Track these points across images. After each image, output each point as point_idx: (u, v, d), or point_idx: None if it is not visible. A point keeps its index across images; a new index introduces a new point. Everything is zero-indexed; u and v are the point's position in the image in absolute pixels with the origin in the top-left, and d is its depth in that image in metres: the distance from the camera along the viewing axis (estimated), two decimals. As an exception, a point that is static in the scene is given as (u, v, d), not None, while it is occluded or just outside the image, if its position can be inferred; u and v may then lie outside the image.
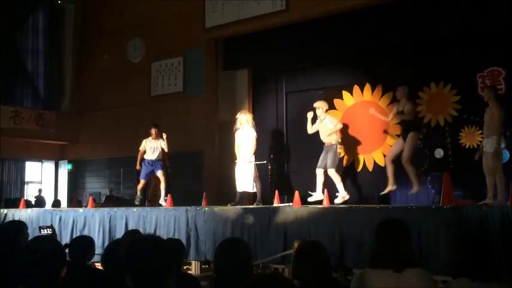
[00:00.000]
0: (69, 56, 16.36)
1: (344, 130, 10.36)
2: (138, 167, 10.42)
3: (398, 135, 9.24)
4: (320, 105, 9.10)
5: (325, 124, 8.98)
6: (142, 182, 10.41)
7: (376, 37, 10.66)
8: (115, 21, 14.82)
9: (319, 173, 8.87)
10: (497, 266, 2.93)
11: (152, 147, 10.23)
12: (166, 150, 10.26)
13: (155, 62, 13.91)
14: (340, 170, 9.89)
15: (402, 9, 10.17)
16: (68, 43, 16.37)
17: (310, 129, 9.21)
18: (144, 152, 10.29)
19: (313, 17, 11.09)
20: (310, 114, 9.18)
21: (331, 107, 11.46)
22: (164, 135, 10.18)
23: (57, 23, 16.73)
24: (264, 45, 12.13)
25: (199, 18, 12.77)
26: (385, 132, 10.49)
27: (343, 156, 10.88)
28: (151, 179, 10.84)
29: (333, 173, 8.73)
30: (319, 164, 8.92)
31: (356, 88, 11.28)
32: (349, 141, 10.85)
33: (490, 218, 5.28)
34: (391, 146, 9.65)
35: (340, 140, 9.06)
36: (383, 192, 8.91)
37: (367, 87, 11.14)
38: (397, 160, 8.62)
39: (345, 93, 11.42)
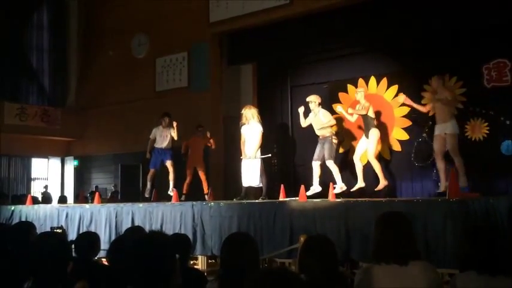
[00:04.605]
0: (73, 52, 16.38)
1: (349, 123, 10.36)
2: (148, 155, 10.52)
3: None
4: (312, 99, 9.15)
5: (319, 118, 9.03)
6: (152, 171, 10.50)
7: (381, 30, 10.63)
8: (119, 17, 14.83)
9: (315, 165, 8.92)
10: (505, 259, 2.92)
11: (162, 135, 10.39)
12: (175, 138, 10.36)
13: (160, 57, 13.91)
14: (343, 160, 9.91)
15: (406, 2, 10.13)
16: (72, 39, 16.39)
17: (303, 123, 9.32)
18: (154, 141, 10.41)
19: (317, 11, 11.05)
20: (301, 109, 9.30)
21: (336, 100, 11.46)
22: (174, 124, 10.25)
23: (61, 20, 16.75)
24: (269, 39, 12.11)
25: (204, 13, 12.75)
26: (360, 128, 10.46)
27: (349, 149, 10.86)
28: (188, 173, 10.83)
29: (331, 164, 8.81)
30: (315, 156, 8.97)
31: (361, 81, 11.24)
32: (354, 133, 10.84)
33: (497, 211, 5.25)
34: (357, 145, 9.64)
35: (334, 132, 9.11)
36: (353, 189, 8.95)
37: (372, 80, 11.11)
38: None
39: (349, 87, 11.39)
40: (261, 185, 9.12)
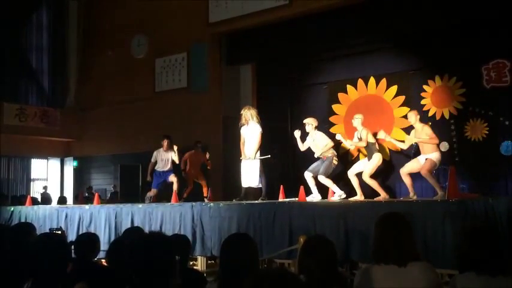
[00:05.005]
0: (73, 53, 16.38)
1: (349, 125, 10.34)
2: (148, 178, 10.38)
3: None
4: (309, 122, 9.00)
5: (317, 143, 8.91)
6: (154, 191, 10.32)
7: (380, 30, 10.65)
8: (118, 17, 14.83)
9: (308, 176, 8.83)
10: (504, 259, 2.92)
11: (163, 159, 10.19)
12: (177, 162, 10.21)
13: (159, 57, 13.91)
14: (346, 164, 9.89)
15: (406, 2, 10.13)
16: (71, 40, 16.38)
17: (302, 146, 9.17)
18: (155, 164, 10.25)
19: (316, 11, 11.05)
20: (297, 133, 9.14)
21: (336, 101, 11.46)
22: (175, 147, 10.07)
23: (60, 20, 16.75)
24: (268, 39, 12.11)
25: (203, 13, 12.75)
26: (359, 151, 10.43)
27: (348, 150, 10.85)
28: (189, 182, 10.87)
29: (323, 179, 8.67)
30: (310, 168, 8.87)
31: (360, 82, 11.25)
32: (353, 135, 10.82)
33: (496, 211, 5.25)
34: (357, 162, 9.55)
35: (335, 152, 9.01)
36: (351, 199, 8.93)
37: (372, 81, 11.11)
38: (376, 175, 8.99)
39: (349, 87, 11.39)
40: (260, 186, 9.11)
